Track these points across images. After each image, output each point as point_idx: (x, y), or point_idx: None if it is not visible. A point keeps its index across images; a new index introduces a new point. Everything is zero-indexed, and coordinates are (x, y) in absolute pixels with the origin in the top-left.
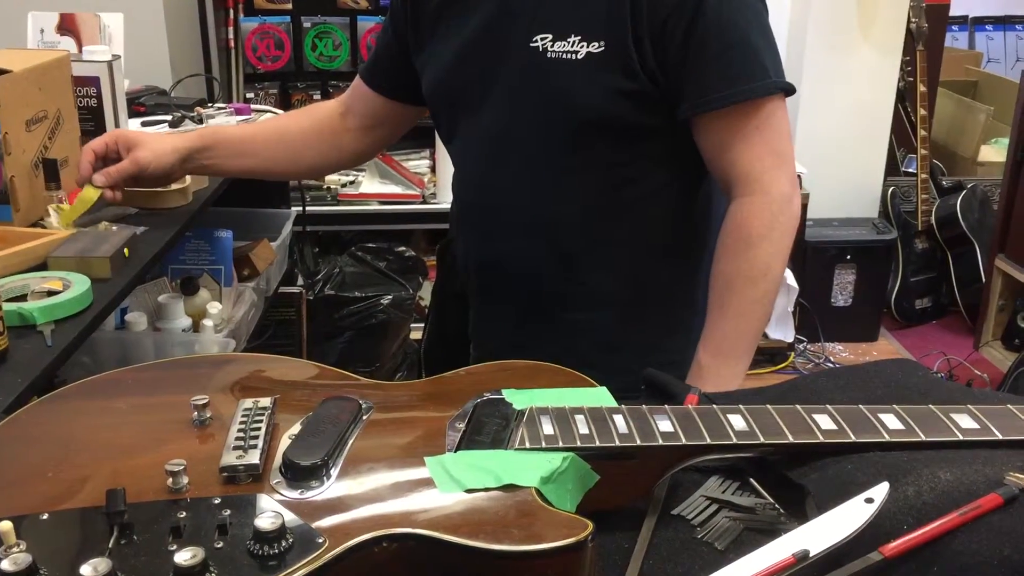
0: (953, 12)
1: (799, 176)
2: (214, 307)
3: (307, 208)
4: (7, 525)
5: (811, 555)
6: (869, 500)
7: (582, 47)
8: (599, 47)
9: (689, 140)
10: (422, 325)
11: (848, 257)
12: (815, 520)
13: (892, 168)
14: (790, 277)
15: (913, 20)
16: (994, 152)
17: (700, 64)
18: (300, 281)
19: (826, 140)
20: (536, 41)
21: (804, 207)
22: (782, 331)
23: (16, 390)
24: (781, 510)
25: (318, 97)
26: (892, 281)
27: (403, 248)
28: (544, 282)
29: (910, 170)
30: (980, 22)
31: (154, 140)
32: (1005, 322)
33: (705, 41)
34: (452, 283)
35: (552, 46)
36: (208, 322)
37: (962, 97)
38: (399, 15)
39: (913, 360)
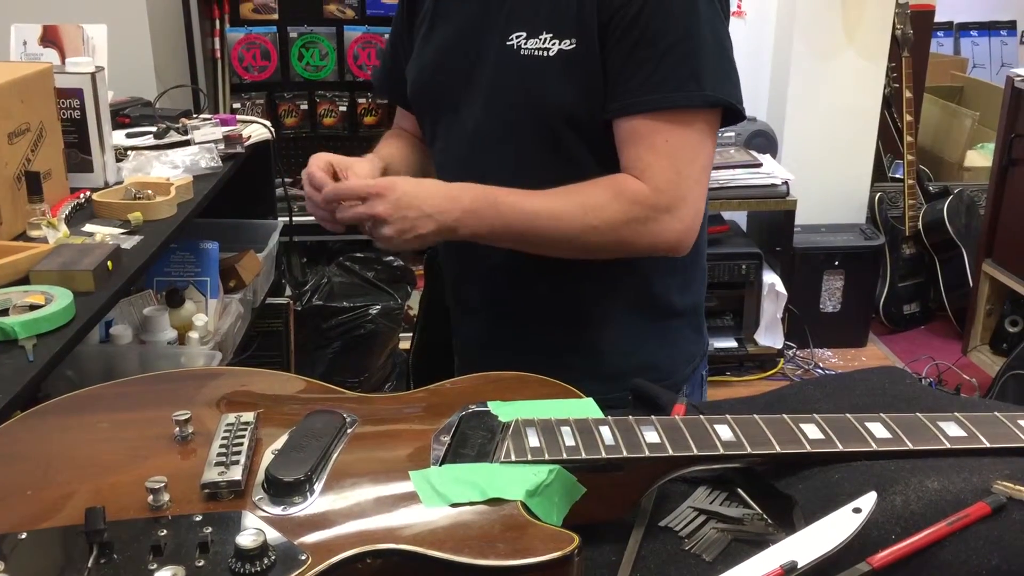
0: (938, 18)
1: (786, 183)
2: (200, 319)
3: (294, 218)
4: None
5: (799, 566)
6: (857, 510)
7: (554, 44)
8: (570, 44)
9: None
10: (411, 335)
11: (836, 263)
12: (803, 531)
13: (879, 174)
14: (778, 284)
15: (898, 26)
16: (980, 157)
17: (629, 67)
18: (288, 292)
19: (813, 146)
20: (511, 39)
21: (791, 213)
22: (771, 338)
23: None
24: (769, 520)
25: (305, 107)
26: (880, 287)
27: (391, 257)
28: (520, 285)
29: (897, 176)
30: (965, 28)
31: (357, 164)
32: (993, 326)
33: (640, 43)
34: (440, 292)
35: (526, 43)
36: (194, 334)
37: (947, 103)
38: (398, 24)
39: (900, 368)
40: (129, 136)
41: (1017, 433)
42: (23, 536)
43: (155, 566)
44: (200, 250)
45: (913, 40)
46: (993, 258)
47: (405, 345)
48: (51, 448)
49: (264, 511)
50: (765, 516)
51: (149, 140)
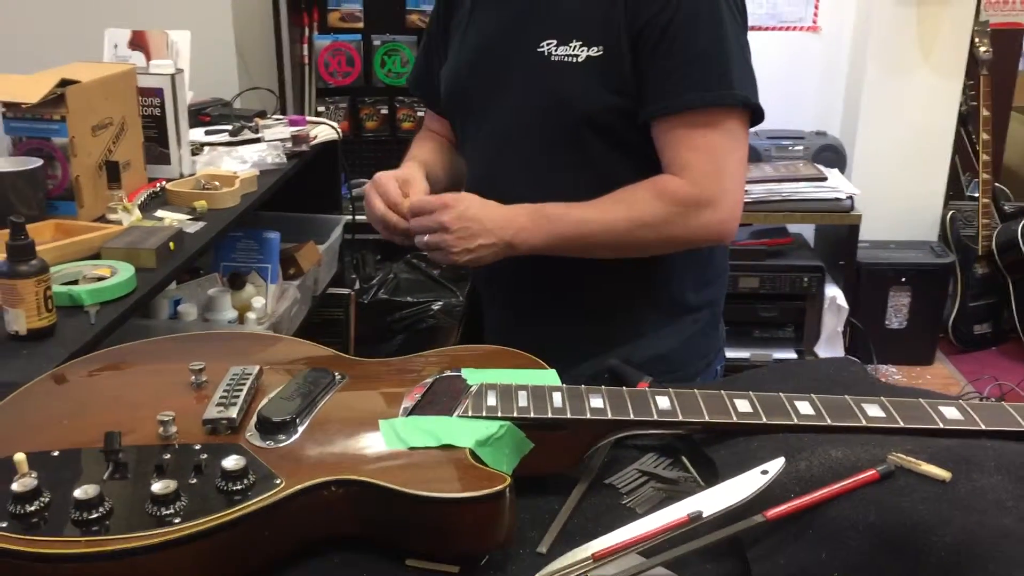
0: None
1: (851, 198)
2: (258, 301)
3: (358, 217)
4: (20, 456)
5: (703, 516)
6: (764, 472)
7: (583, 51)
8: (598, 51)
9: None
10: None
11: (903, 280)
12: (714, 487)
13: (958, 192)
14: (840, 297)
15: (977, 44)
16: None
17: (663, 71)
18: (356, 285)
19: (884, 162)
20: (543, 46)
21: (855, 228)
22: (831, 351)
23: (59, 359)
24: (700, 482)
25: (385, 112)
26: (950, 306)
27: None
28: (543, 280)
29: (975, 195)
30: None
31: (415, 178)
32: None
33: (672, 49)
34: (478, 287)
35: (556, 50)
36: (252, 315)
37: None
38: (433, 29)
39: (852, 358)
40: (208, 133)
41: (933, 416)
42: (55, 453)
43: (155, 480)
44: (263, 239)
45: (996, 58)
46: None
47: None
48: (89, 388)
49: (253, 444)
50: (698, 478)
51: (224, 137)
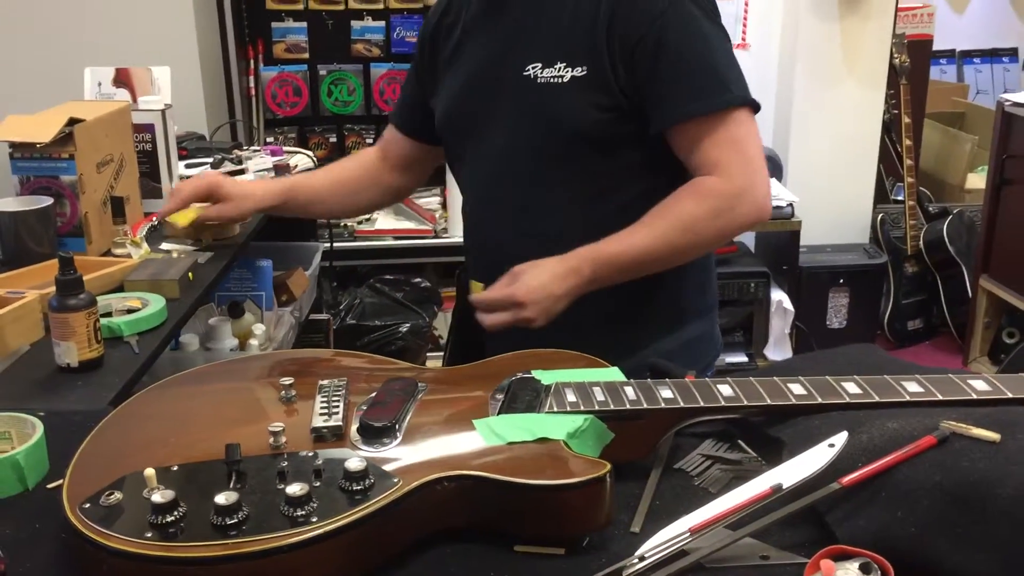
0: (941, 47)
1: (791, 205)
2: (259, 328)
3: (336, 244)
4: (151, 471)
5: (784, 487)
6: (831, 445)
7: (567, 72)
8: (582, 71)
9: (661, 151)
10: (440, 355)
11: (841, 281)
12: (788, 462)
13: (883, 196)
14: (786, 301)
15: (896, 56)
16: (980, 179)
17: (669, 85)
18: (323, 311)
19: (817, 170)
20: (528, 70)
21: (796, 233)
22: (780, 352)
23: (116, 387)
24: (763, 461)
25: (334, 140)
26: (884, 304)
27: (419, 279)
28: None
29: (899, 198)
30: (968, 55)
31: (240, 198)
32: (991, 338)
33: (670, 68)
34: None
35: (542, 73)
36: (254, 342)
37: (948, 128)
38: (419, 64)
39: (874, 345)
40: (188, 167)
41: (965, 388)
42: (176, 468)
43: (282, 486)
44: (256, 267)
45: (911, 68)
46: (989, 273)
47: (432, 364)
48: (180, 409)
49: (361, 449)
50: (760, 458)
51: (206, 170)
